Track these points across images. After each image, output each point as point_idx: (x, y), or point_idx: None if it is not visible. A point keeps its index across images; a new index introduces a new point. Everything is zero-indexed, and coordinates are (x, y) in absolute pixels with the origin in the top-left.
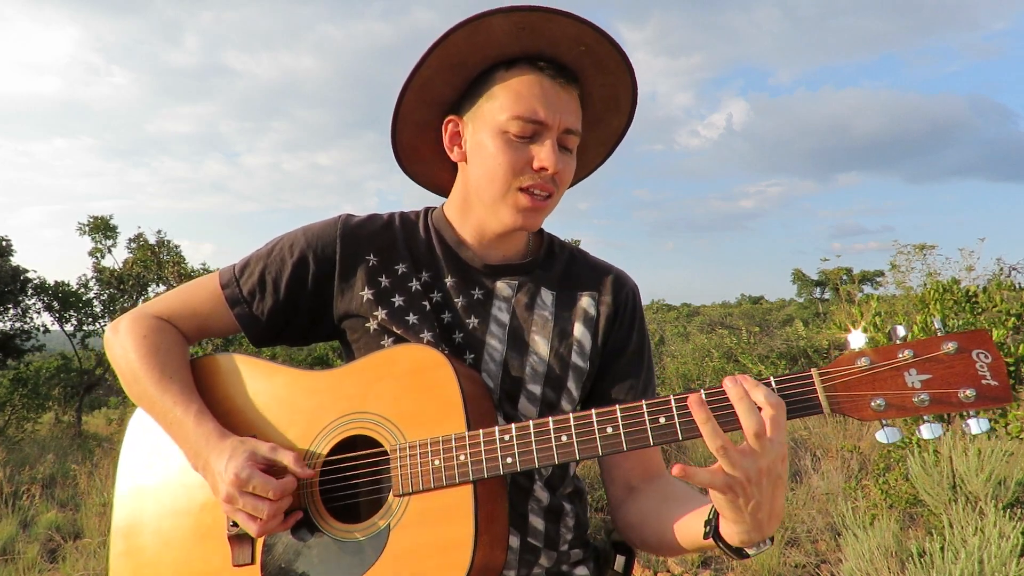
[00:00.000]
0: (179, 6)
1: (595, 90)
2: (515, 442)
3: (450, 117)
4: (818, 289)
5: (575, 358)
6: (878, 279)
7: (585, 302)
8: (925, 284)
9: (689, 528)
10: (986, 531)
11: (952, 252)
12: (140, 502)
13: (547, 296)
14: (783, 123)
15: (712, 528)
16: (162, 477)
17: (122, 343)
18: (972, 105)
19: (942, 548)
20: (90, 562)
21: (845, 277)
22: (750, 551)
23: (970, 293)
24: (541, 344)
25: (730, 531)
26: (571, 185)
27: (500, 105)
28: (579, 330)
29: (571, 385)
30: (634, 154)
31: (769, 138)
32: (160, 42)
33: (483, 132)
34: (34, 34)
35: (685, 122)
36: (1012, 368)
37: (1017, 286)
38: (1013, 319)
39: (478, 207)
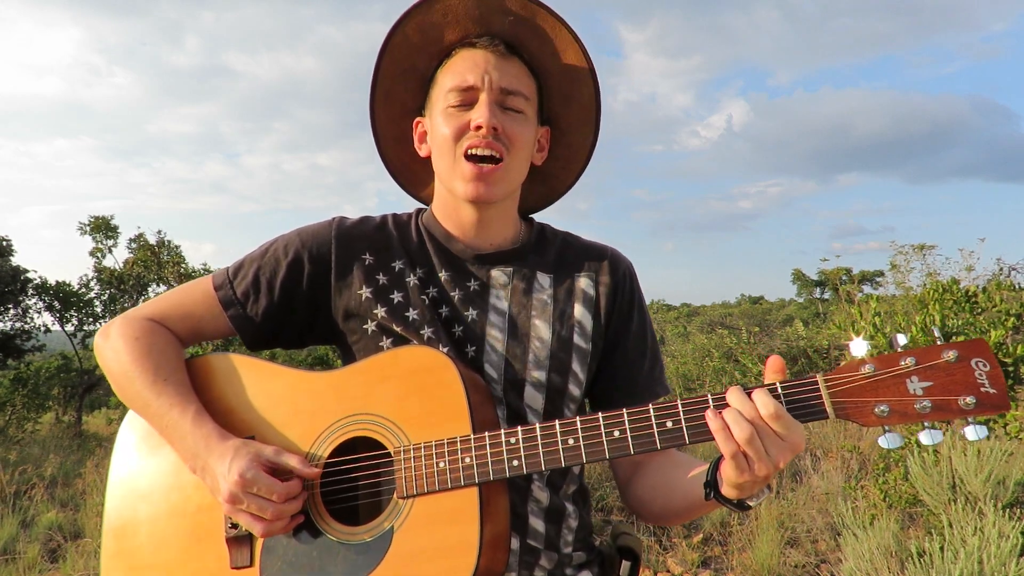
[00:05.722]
0: (180, 7)
1: (547, 62)
2: (521, 445)
3: (417, 119)
4: (818, 289)
5: (577, 339)
6: (878, 279)
7: (583, 283)
8: (925, 284)
9: (691, 490)
10: (986, 531)
11: (952, 252)
12: (134, 504)
13: (544, 279)
14: (783, 124)
15: (714, 491)
16: (156, 479)
17: (113, 346)
18: (972, 106)
19: (942, 548)
20: (90, 562)
21: (845, 277)
22: (751, 503)
23: (970, 293)
24: (542, 328)
25: (733, 493)
26: (576, 175)
27: (441, 87)
28: (579, 311)
29: (576, 368)
30: (633, 155)
31: (769, 139)
32: (161, 43)
33: (434, 117)
34: (36, 35)
35: (685, 123)
36: (1011, 368)
37: (1017, 286)
38: (1013, 319)
39: (447, 194)
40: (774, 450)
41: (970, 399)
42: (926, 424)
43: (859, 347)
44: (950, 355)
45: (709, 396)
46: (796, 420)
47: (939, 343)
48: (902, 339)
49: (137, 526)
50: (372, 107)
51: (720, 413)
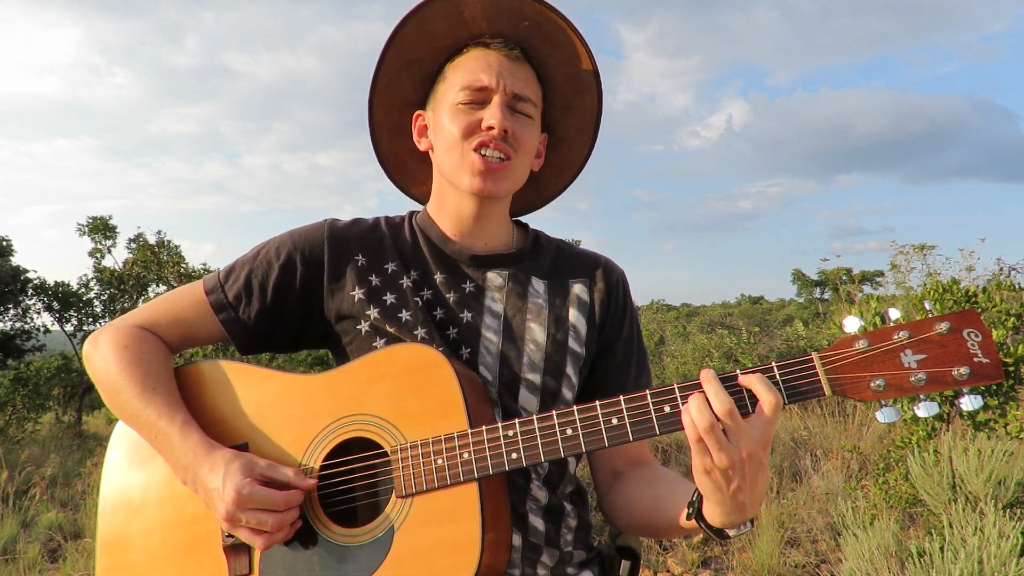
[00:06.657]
0: (181, 7)
1: (555, 70)
2: (519, 437)
3: (417, 112)
4: (818, 289)
5: (572, 343)
6: (878, 279)
7: (578, 289)
8: (925, 284)
9: (673, 510)
10: (986, 531)
11: (952, 252)
12: (127, 519)
13: (539, 284)
14: (783, 124)
15: (695, 510)
16: (148, 492)
17: (102, 355)
18: (972, 106)
19: (942, 548)
20: (90, 562)
21: (845, 277)
22: (731, 532)
23: (970, 293)
24: (537, 331)
25: (712, 512)
26: (567, 183)
27: (451, 83)
28: (574, 315)
29: (570, 371)
30: (633, 155)
31: (769, 139)
32: (162, 43)
33: (441, 112)
34: (36, 35)
35: (685, 123)
36: (1012, 368)
37: (1017, 286)
38: (1013, 319)
39: (448, 188)
40: (735, 438)
41: (964, 369)
42: (922, 397)
43: (852, 323)
44: (942, 327)
45: (674, 387)
46: (747, 423)
47: (931, 316)
48: (894, 313)
49: (131, 540)
50: (372, 96)
51: (686, 407)
